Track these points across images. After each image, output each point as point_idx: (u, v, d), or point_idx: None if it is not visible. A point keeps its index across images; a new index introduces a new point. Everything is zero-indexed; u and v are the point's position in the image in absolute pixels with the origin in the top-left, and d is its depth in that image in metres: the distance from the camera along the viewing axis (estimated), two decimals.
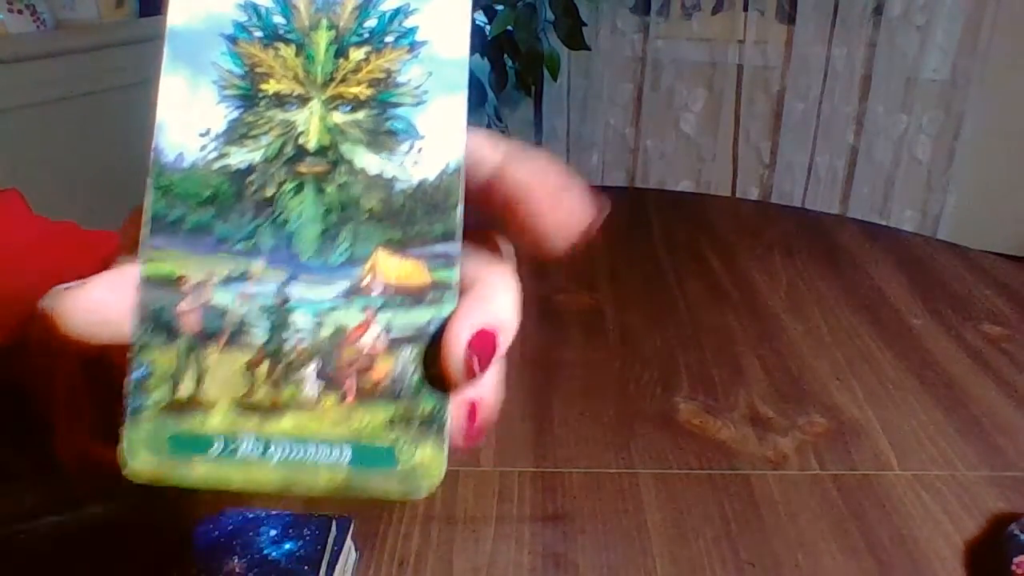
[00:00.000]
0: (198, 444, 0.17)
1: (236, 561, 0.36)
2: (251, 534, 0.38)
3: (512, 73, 1.93)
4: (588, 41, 1.91)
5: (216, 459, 0.17)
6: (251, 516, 0.39)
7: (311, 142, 0.18)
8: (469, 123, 0.19)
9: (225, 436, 0.17)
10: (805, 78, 2.09)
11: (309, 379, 0.18)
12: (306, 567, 0.36)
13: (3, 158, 1.35)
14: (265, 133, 0.18)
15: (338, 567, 0.38)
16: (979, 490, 0.48)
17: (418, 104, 0.18)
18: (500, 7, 1.72)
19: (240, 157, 0.18)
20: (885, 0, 1.98)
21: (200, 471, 0.17)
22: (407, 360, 0.18)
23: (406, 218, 0.18)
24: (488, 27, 1.75)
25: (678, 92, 2.24)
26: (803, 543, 0.43)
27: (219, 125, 0.18)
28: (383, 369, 0.18)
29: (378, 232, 0.18)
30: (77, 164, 1.54)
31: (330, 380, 0.18)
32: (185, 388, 0.17)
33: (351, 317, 0.18)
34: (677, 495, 0.47)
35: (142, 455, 0.17)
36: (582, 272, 0.77)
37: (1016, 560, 0.39)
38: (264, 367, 0.18)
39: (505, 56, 1.88)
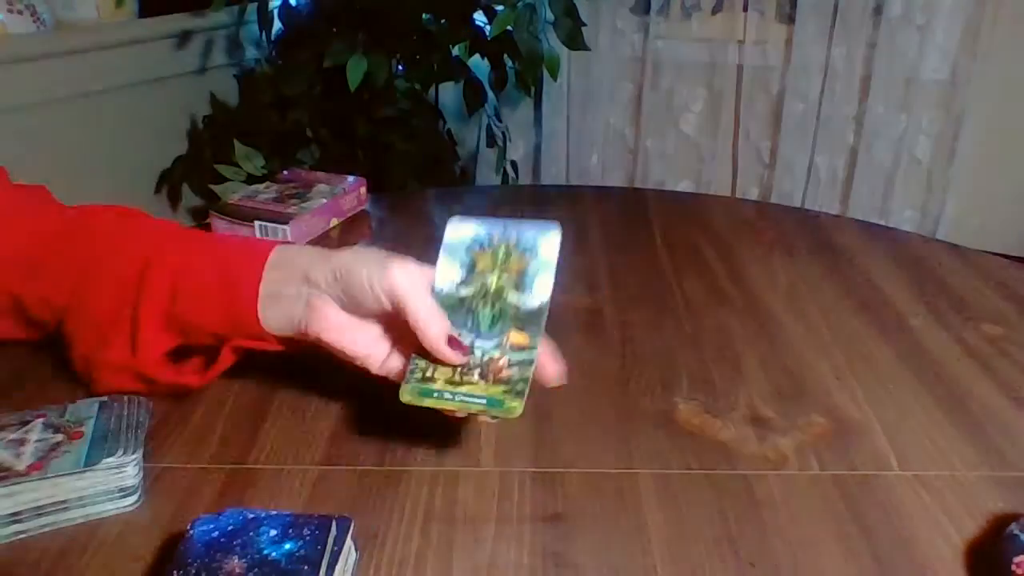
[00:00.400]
0: (430, 392, 0.45)
1: (236, 561, 0.36)
2: (251, 534, 0.38)
3: (512, 73, 1.93)
4: (588, 41, 1.90)
5: (434, 398, 0.45)
6: (251, 516, 0.39)
7: (492, 288, 0.48)
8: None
9: (439, 390, 0.45)
10: (805, 78, 2.09)
11: (475, 374, 0.45)
12: (306, 567, 0.36)
13: (3, 158, 1.35)
14: (474, 282, 0.48)
15: (338, 567, 0.38)
16: (979, 490, 0.48)
17: (531, 280, 0.48)
18: (500, 7, 1.72)
19: (463, 291, 0.48)
20: (885, 0, 1.98)
21: (428, 401, 0.45)
22: (515, 372, 0.45)
23: (524, 318, 0.47)
24: (488, 27, 1.75)
25: (678, 92, 2.23)
26: (803, 543, 0.43)
27: (458, 279, 0.49)
28: (506, 374, 0.45)
29: (512, 323, 0.47)
30: (77, 164, 1.54)
31: (485, 375, 0.45)
32: (428, 373, 0.46)
33: (496, 353, 0.46)
34: (677, 495, 0.47)
35: (409, 395, 0.45)
36: (582, 272, 0.77)
37: (1016, 560, 0.39)
38: (459, 368, 0.46)
39: (505, 56, 1.87)
